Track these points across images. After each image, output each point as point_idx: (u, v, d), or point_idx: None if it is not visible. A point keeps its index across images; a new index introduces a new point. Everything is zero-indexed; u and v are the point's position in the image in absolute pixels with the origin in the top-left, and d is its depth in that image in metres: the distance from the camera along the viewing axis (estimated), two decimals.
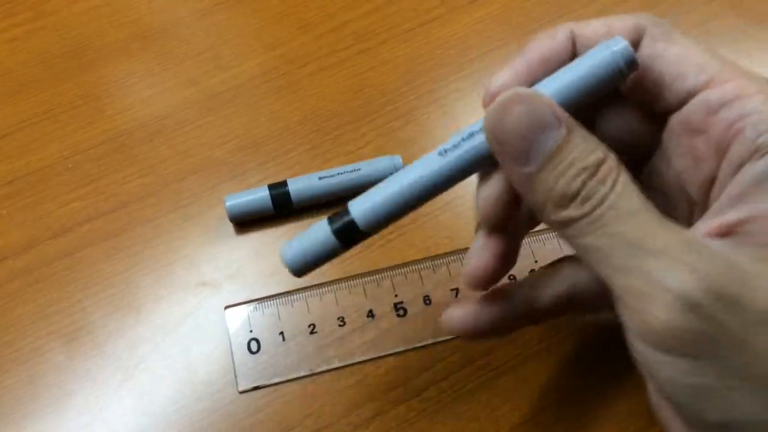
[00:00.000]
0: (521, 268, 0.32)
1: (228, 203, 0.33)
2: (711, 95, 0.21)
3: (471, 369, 0.31)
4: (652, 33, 0.22)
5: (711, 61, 0.21)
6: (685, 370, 0.18)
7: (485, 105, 0.23)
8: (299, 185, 0.34)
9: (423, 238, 0.34)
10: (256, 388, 0.30)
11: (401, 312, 0.32)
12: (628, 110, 0.24)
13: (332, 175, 0.34)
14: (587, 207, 0.19)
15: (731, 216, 0.19)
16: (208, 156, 0.37)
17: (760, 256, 0.18)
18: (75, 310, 0.33)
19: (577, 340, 0.31)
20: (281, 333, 0.32)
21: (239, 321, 0.32)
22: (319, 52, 0.40)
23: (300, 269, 0.24)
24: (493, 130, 0.20)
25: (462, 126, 0.37)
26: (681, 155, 0.22)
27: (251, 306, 0.32)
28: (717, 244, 0.19)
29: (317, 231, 0.24)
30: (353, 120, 0.37)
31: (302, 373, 0.31)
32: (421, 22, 0.41)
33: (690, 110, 0.21)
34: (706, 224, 0.20)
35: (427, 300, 0.32)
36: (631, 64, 0.21)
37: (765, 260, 0.18)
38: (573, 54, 0.22)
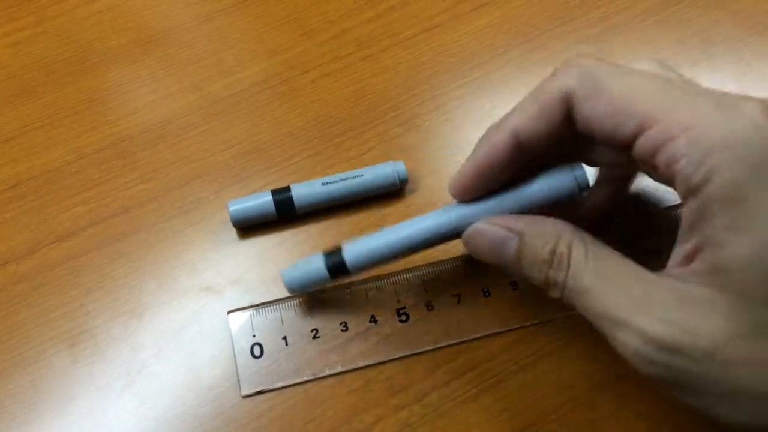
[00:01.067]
0: None
1: (231, 208, 0.34)
2: (644, 142, 0.22)
3: (473, 375, 0.31)
4: (579, 95, 0.23)
5: (636, 105, 0.22)
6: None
7: (450, 190, 0.28)
8: (302, 191, 0.34)
9: None
10: (259, 392, 0.31)
11: (404, 318, 0.32)
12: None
13: (335, 181, 0.34)
14: (557, 292, 0.24)
15: (690, 245, 0.21)
16: (210, 161, 0.37)
17: (704, 282, 0.21)
18: (78, 315, 0.33)
19: (579, 346, 0.31)
20: (284, 337, 0.32)
21: (242, 326, 0.32)
22: (322, 58, 0.40)
23: (294, 290, 0.31)
24: (472, 252, 0.28)
25: (463, 133, 0.37)
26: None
27: (254, 311, 0.32)
28: (676, 277, 0.22)
29: (314, 263, 0.30)
30: (356, 126, 0.38)
31: (305, 378, 0.31)
32: (423, 29, 0.41)
33: (638, 152, 0.22)
34: (680, 251, 0.22)
35: (429, 306, 0.32)
36: (586, 186, 0.26)
37: (708, 286, 0.21)
38: (518, 150, 0.25)
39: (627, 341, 0.21)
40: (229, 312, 0.32)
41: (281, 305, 0.32)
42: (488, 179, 0.26)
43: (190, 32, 0.42)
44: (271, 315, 0.32)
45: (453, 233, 0.28)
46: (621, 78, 0.23)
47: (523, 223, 0.25)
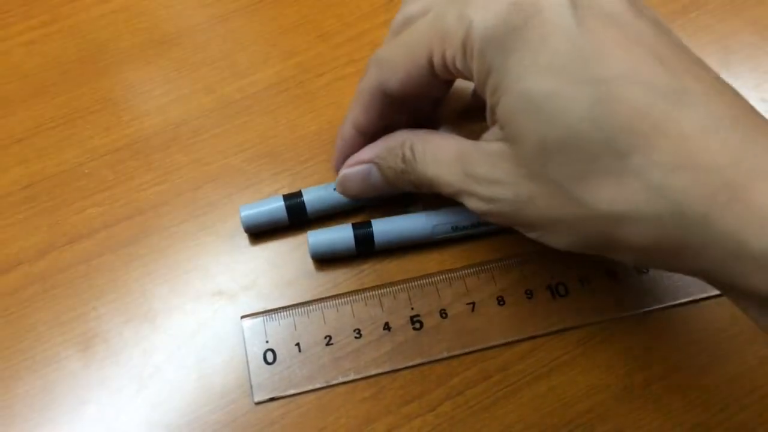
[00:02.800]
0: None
1: (243, 213, 0.33)
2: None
3: (487, 384, 0.31)
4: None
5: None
6: None
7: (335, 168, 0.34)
8: (314, 195, 0.34)
9: (439, 251, 0.34)
10: (271, 399, 0.30)
11: (417, 325, 0.32)
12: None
13: None
14: (407, 172, 0.30)
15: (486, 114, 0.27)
16: (223, 164, 0.37)
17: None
18: (90, 318, 0.32)
19: (594, 356, 0.31)
20: (297, 344, 0.31)
21: (255, 331, 0.32)
22: (337, 61, 0.40)
23: (318, 254, 0.33)
24: (350, 197, 0.33)
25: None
26: None
27: (267, 316, 0.32)
28: (486, 140, 0.26)
29: (341, 230, 0.33)
30: None
31: (318, 385, 0.31)
32: None
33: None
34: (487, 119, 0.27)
35: (443, 313, 0.32)
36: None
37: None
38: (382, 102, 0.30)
39: (473, 205, 0.27)
40: (242, 317, 0.32)
41: (294, 311, 0.32)
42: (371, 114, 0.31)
43: (204, 33, 0.41)
44: (284, 321, 0.32)
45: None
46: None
47: (372, 152, 0.31)
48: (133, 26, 0.42)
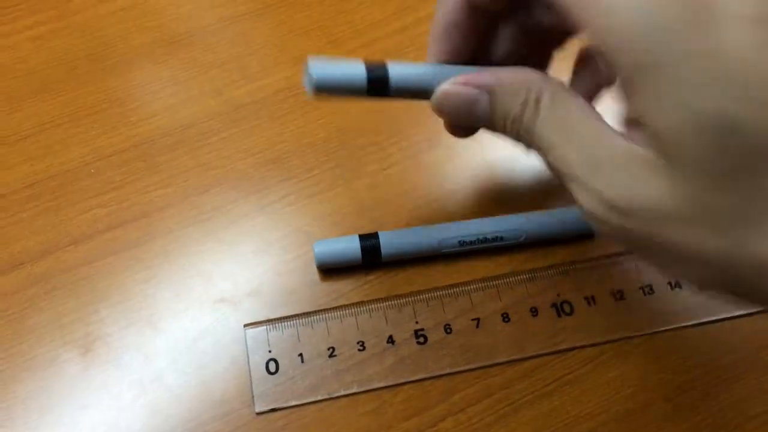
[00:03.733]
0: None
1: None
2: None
3: (490, 402, 0.31)
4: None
5: None
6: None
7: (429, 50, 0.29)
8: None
9: (445, 265, 0.34)
10: (273, 410, 0.30)
11: (421, 339, 0.32)
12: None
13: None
14: (528, 135, 0.25)
15: (628, 112, 0.23)
16: (230, 169, 0.36)
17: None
18: (92, 321, 0.32)
19: (598, 377, 0.31)
20: (300, 354, 0.31)
21: (258, 340, 0.32)
22: None
23: (322, 265, 0.33)
24: (442, 111, 0.27)
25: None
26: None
27: (270, 325, 0.32)
28: (630, 137, 0.22)
29: (348, 241, 0.33)
30: (379, 140, 0.37)
31: (320, 397, 0.30)
32: None
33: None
34: (625, 114, 0.24)
35: (447, 329, 0.32)
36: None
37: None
38: (471, 10, 0.27)
39: (585, 202, 0.22)
40: (245, 325, 0.32)
41: (298, 321, 0.32)
42: (455, 40, 0.28)
43: (214, 35, 0.41)
44: (287, 330, 0.32)
45: None
46: None
47: (493, 77, 0.25)
48: (142, 25, 0.41)
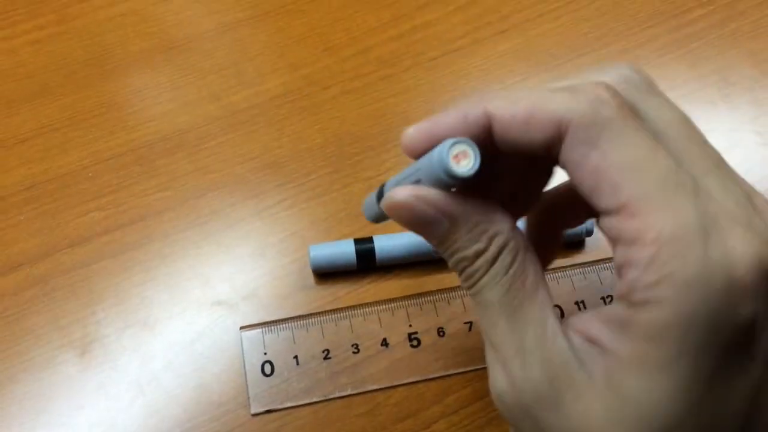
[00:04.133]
0: None
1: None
2: (616, 225, 0.19)
3: (482, 404, 0.31)
4: (575, 133, 0.19)
5: (628, 183, 0.18)
6: None
7: (404, 147, 0.22)
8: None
9: (439, 269, 0.34)
10: (268, 411, 0.31)
11: (415, 342, 0.32)
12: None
13: None
14: (466, 285, 0.22)
15: (595, 332, 0.20)
16: (227, 173, 0.37)
17: (594, 378, 0.19)
18: (89, 323, 0.33)
19: None
20: (295, 357, 0.32)
21: (254, 343, 0.32)
22: (343, 75, 0.40)
23: (318, 267, 0.33)
24: (393, 218, 0.22)
25: None
26: None
27: (266, 328, 0.32)
28: (569, 346, 0.20)
29: (343, 245, 0.33)
30: (374, 146, 0.38)
31: (315, 399, 0.31)
32: (444, 52, 0.41)
33: (603, 223, 0.20)
34: (585, 322, 0.20)
35: (441, 332, 0.32)
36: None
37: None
38: (488, 135, 0.20)
39: (493, 377, 0.22)
40: (241, 328, 0.32)
41: (293, 324, 0.32)
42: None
43: (212, 41, 0.42)
44: (283, 333, 0.32)
45: None
46: (625, 141, 0.19)
47: (460, 208, 0.21)
48: (140, 30, 0.42)
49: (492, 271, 0.21)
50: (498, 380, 0.21)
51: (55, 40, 0.41)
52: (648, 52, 0.41)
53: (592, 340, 0.20)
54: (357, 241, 0.33)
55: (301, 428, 0.30)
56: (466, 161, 0.20)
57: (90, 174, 0.36)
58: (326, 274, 0.34)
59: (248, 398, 0.31)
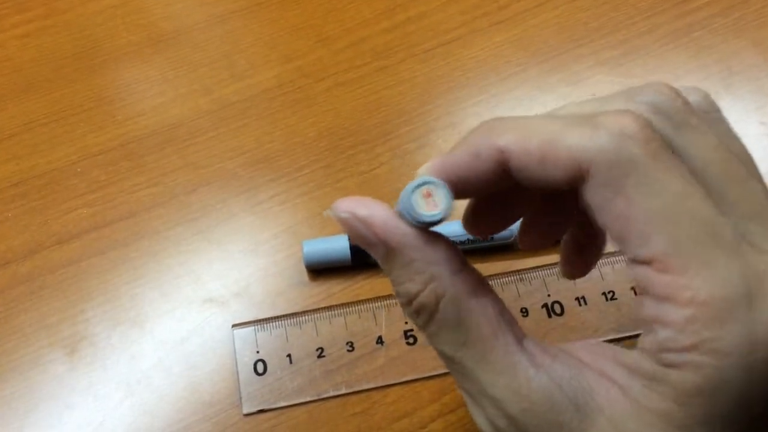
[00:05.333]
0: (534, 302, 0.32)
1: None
2: (646, 277, 0.17)
3: None
4: (597, 174, 0.17)
5: (657, 235, 0.17)
6: None
7: None
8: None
9: None
10: (261, 411, 0.30)
11: (411, 340, 0.32)
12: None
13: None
14: (414, 323, 0.20)
15: (609, 371, 0.19)
16: (219, 168, 0.36)
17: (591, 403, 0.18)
18: (78, 321, 0.32)
19: None
20: (288, 355, 0.31)
21: (246, 341, 0.31)
22: (337, 67, 0.39)
23: (312, 264, 0.32)
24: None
25: None
26: None
27: (258, 326, 0.32)
28: (551, 378, 0.18)
29: (337, 241, 0.31)
30: (369, 139, 0.37)
31: (308, 398, 0.30)
32: (440, 43, 0.40)
33: (632, 268, 0.18)
34: (581, 346, 0.20)
35: None
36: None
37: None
38: (502, 171, 0.19)
39: (474, 414, 0.20)
40: (233, 326, 0.32)
41: (286, 321, 0.32)
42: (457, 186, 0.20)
43: (203, 33, 0.41)
44: (275, 331, 0.32)
45: None
46: (654, 185, 0.17)
47: (397, 236, 0.19)
48: (130, 23, 0.41)
49: (435, 321, 0.19)
50: (484, 427, 0.20)
51: (43, 34, 0.41)
52: (649, 41, 0.40)
53: (598, 375, 0.19)
54: None
55: (295, 428, 0.30)
56: (434, 203, 0.19)
57: (78, 170, 0.36)
58: (320, 270, 0.33)
59: (240, 398, 0.30)
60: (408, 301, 0.19)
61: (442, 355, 0.20)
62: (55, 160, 0.36)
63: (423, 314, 0.19)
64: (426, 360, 0.31)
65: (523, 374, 0.18)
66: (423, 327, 0.20)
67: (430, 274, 0.19)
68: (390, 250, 0.19)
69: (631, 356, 0.18)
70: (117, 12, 0.41)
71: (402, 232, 0.19)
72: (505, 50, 0.40)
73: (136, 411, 0.30)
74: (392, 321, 0.32)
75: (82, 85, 0.39)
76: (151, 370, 0.31)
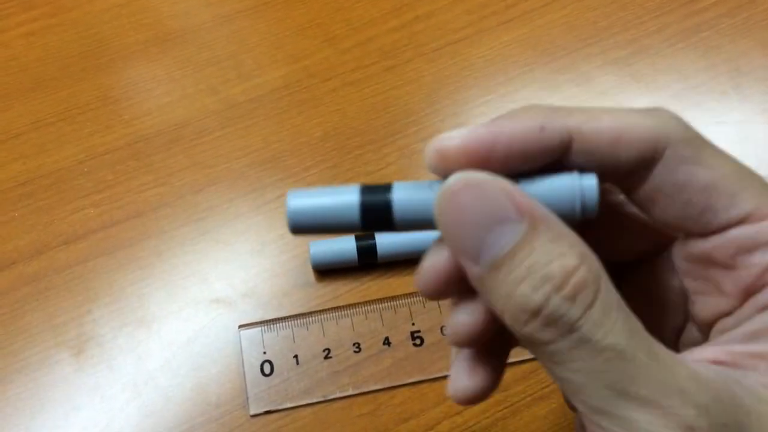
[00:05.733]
0: None
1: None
2: (744, 233, 0.18)
3: (486, 405, 0.30)
4: (677, 151, 0.17)
5: (746, 192, 0.18)
6: None
7: (429, 160, 0.18)
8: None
9: None
10: (267, 412, 0.30)
11: (418, 341, 0.31)
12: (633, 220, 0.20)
13: None
14: (552, 333, 0.16)
15: (742, 348, 0.18)
16: (225, 168, 0.36)
17: (763, 396, 0.17)
18: (85, 321, 0.32)
19: None
20: (295, 356, 0.31)
21: (253, 342, 0.31)
22: (344, 67, 0.39)
23: (318, 266, 0.32)
24: (441, 217, 0.17)
25: None
26: (695, 278, 0.20)
27: (265, 327, 0.32)
28: (716, 372, 0.17)
29: (344, 241, 0.30)
30: (376, 139, 0.37)
31: (315, 399, 0.30)
32: (447, 42, 0.40)
33: (716, 244, 0.18)
34: (711, 350, 0.18)
35: (444, 330, 0.32)
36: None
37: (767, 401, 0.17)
38: (561, 153, 0.18)
39: (653, 427, 0.16)
40: (239, 327, 0.32)
41: (293, 322, 0.32)
42: (500, 160, 0.17)
43: (209, 33, 0.41)
44: (282, 332, 0.31)
45: None
46: (725, 157, 0.18)
47: (542, 208, 0.16)
48: (136, 22, 0.41)
49: (602, 297, 0.16)
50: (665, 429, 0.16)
51: (50, 33, 0.40)
52: (657, 41, 0.40)
53: (732, 363, 0.18)
54: (358, 237, 0.32)
55: (301, 429, 0.30)
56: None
57: (85, 169, 0.36)
58: (327, 271, 0.33)
59: (247, 399, 0.30)
60: (562, 282, 0.15)
61: (605, 352, 0.16)
62: (61, 160, 0.36)
63: (585, 295, 0.16)
64: (433, 361, 0.31)
65: (695, 367, 0.17)
66: (580, 316, 0.16)
67: (584, 249, 0.16)
68: (536, 224, 0.16)
69: (744, 329, 0.18)
70: (124, 11, 0.41)
71: (539, 205, 0.17)
72: (512, 50, 0.40)
73: (142, 412, 0.30)
74: (400, 322, 0.32)
75: (88, 84, 0.38)
76: (158, 371, 0.31)
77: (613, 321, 0.16)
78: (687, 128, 0.18)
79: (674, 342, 0.20)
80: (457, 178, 0.16)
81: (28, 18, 0.41)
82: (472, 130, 0.17)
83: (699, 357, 0.18)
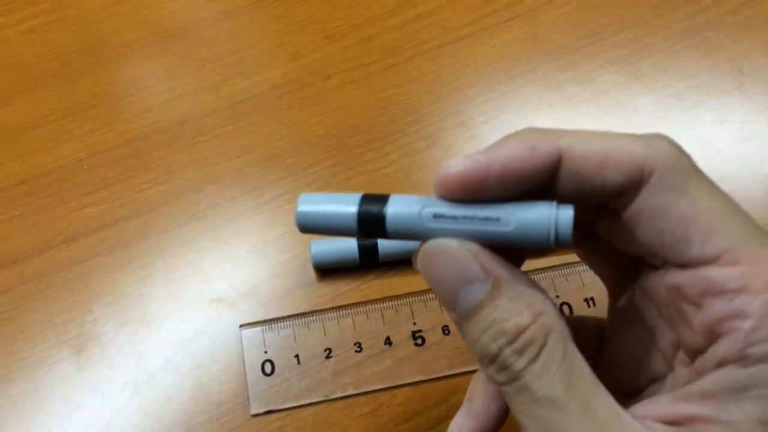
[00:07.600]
0: None
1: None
2: (713, 274, 0.18)
3: None
4: (662, 178, 0.18)
5: (724, 231, 0.18)
6: None
7: (435, 187, 0.19)
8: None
9: None
10: (268, 412, 0.30)
11: (419, 341, 0.31)
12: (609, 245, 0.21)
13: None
14: (503, 377, 0.18)
15: (694, 409, 0.18)
16: (226, 167, 0.36)
17: None
18: (85, 320, 0.32)
19: None
20: (296, 356, 0.31)
21: (254, 341, 0.31)
22: (345, 64, 0.39)
23: (319, 265, 0.32)
24: (423, 273, 0.20)
25: None
26: (670, 307, 0.20)
27: (266, 326, 0.32)
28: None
29: (345, 241, 0.30)
30: (377, 138, 0.37)
31: (316, 399, 0.30)
32: (449, 40, 0.40)
33: (688, 279, 0.18)
34: (666, 406, 0.18)
35: (446, 330, 0.32)
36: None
37: None
38: (552, 173, 0.19)
39: None
40: (241, 326, 0.32)
41: (294, 322, 0.32)
42: (493, 184, 0.19)
43: (210, 29, 0.40)
44: (283, 331, 0.31)
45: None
46: (711, 190, 0.18)
47: (505, 269, 0.19)
48: (136, 18, 0.41)
49: (542, 357, 0.18)
50: None
51: (50, 29, 0.40)
52: (660, 40, 0.40)
53: (682, 421, 0.18)
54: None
55: (302, 429, 0.30)
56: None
57: (85, 167, 0.36)
58: (328, 270, 0.33)
59: (248, 398, 0.30)
60: (514, 337, 0.18)
61: (536, 401, 0.18)
62: (61, 158, 0.36)
63: (530, 350, 0.18)
64: (434, 361, 0.31)
65: (635, 427, 0.17)
66: (524, 367, 0.18)
67: (540, 308, 0.18)
68: (499, 284, 0.18)
69: (703, 384, 0.18)
70: (123, 7, 0.41)
71: (504, 263, 0.19)
72: (514, 48, 0.40)
73: (143, 411, 0.30)
74: (401, 322, 0.32)
75: (88, 81, 0.38)
76: (159, 370, 0.31)
77: (552, 374, 0.18)
78: (679, 158, 0.18)
79: (672, 355, 0.20)
80: (430, 245, 0.19)
81: (28, 14, 0.41)
82: (469, 158, 0.18)
83: (651, 412, 0.18)
